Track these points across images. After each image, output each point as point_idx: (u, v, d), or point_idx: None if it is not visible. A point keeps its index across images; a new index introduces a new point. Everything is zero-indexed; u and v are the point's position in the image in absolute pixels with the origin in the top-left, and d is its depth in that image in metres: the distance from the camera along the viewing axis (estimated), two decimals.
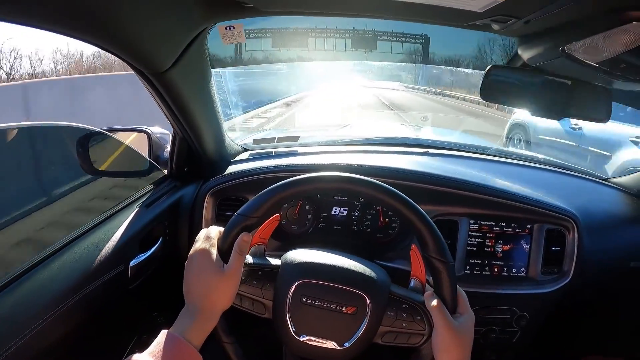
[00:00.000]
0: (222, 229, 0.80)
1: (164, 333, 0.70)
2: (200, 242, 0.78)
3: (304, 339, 0.78)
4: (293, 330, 0.78)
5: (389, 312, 0.78)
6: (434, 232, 0.78)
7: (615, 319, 1.67)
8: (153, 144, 1.37)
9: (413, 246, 0.83)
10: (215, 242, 0.78)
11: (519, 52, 1.05)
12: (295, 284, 0.78)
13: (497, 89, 1.11)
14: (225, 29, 1.06)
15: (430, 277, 0.80)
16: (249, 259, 0.81)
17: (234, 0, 0.89)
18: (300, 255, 0.83)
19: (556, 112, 1.15)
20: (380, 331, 0.78)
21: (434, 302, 0.77)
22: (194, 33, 0.98)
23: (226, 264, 0.76)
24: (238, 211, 0.79)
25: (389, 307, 0.78)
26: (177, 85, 1.04)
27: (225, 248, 0.77)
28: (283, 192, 0.79)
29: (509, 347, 1.39)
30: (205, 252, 0.76)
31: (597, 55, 0.89)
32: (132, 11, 0.73)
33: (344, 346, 0.77)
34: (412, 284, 0.85)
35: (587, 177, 1.67)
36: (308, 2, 0.89)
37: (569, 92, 1.13)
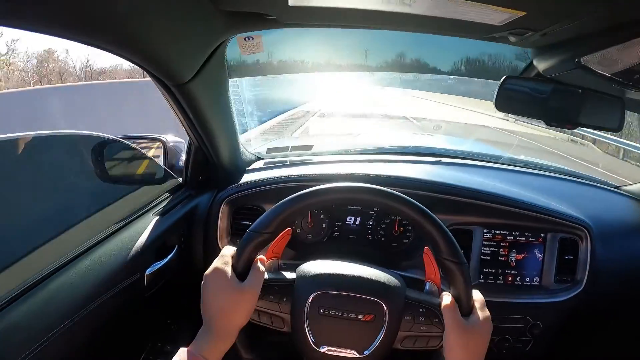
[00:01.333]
0: (235, 248, 0.82)
1: (183, 351, 0.71)
2: (215, 262, 0.80)
3: (324, 349, 0.79)
4: (313, 342, 0.78)
5: (407, 317, 0.79)
6: (445, 234, 0.78)
7: (630, 328, 1.67)
8: (168, 152, 1.38)
9: (426, 249, 0.84)
10: (229, 260, 0.80)
11: (534, 62, 1.06)
12: (312, 296, 0.79)
13: (511, 99, 1.12)
14: (245, 39, 1.07)
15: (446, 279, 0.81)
16: (266, 274, 0.82)
17: (256, 12, 0.90)
18: (314, 267, 0.84)
19: (570, 121, 1.16)
20: (400, 336, 0.79)
21: (446, 303, 0.78)
22: (215, 43, 1.00)
23: (242, 281, 0.77)
24: (250, 227, 0.80)
25: (406, 312, 0.79)
26: (197, 96, 1.06)
27: (240, 266, 0.79)
28: (293, 207, 0.80)
29: (523, 356, 1.38)
30: (220, 271, 0.78)
31: (611, 66, 0.90)
32: (157, 25, 0.75)
33: (364, 354, 0.78)
34: (427, 287, 0.85)
35: (599, 185, 1.67)
36: (329, 15, 0.90)
37: (582, 102, 1.13)
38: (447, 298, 0.79)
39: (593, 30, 0.81)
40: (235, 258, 0.80)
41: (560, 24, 0.81)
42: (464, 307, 0.77)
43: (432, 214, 0.80)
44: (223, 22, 0.93)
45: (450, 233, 0.79)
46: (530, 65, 1.14)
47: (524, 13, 0.78)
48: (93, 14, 0.62)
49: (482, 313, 0.79)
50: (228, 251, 0.82)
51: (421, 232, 0.80)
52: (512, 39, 0.96)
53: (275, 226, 0.80)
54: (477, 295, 0.82)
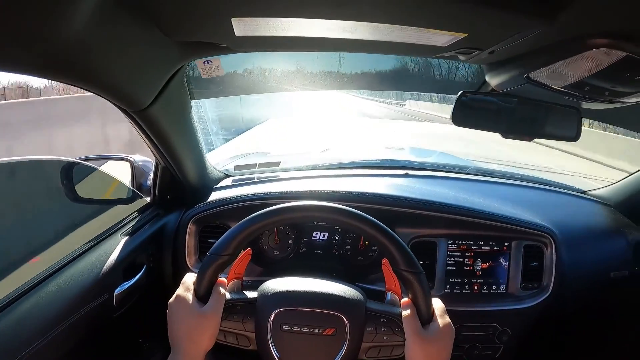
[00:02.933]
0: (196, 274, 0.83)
1: None
2: (178, 290, 0.82)
3: None
4: (278, 358, 0.80)
5: (369, 328, 0.80)
6: (399, 245, 0.80)
7: (598, 330, 1.69)
8: (136, 171, 1.38)
9: (384, 260, 0.85)
10: (190, 286, 0.82)
11: (487, 78, 1.08)
12: (274, 313, 0.80)
13: (468, 113, 1.14)
14: (204, 63, 1.09)
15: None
16: (227, 295, 0.83)
17: (208, 42, 0.91)
18: (275, 284, 0.85)
19: (527, 133, 1.18)
20: (363, 347, 0.80)
21: (405, 312, 0.80)
22: (172, 71, 1.01)
23: (205, 305, 0.79)
24: (209, 251, 0.81)
25: (367, 323, 0.81)
26: (158, 120, 1.07)
27: (202, 290, 0.81)
28: (248, 228, 0.82)
29: None
30: (181, 299, 0.80)
31: (561, 80, 0.92)
32: (109, 54, 0.75)
33: None
34: (388, 297, 0.88)
35: (566, 191, 1.70)
36: (277, 42, 0.92)
37: (539, 114, 1.16)
38: (406, 308, 0.80)
39: (539, 46, 0.83)
40: (197, 283, 0.81)
41: (504, 42, 0.82)
42: (424, 316, 0.79)
43: (385, 227, 0.81)
44: (177, 51, 0.94)
45: (404, 244, 0.81)
46: (485, 81, 1.16)
47: (465, 34, 0.79)
48: (42, 50, 0.62)
49: (442, 320, 0.80)
50: (189, 278, 0.84)
51: (377, 245, 0.82)
52: (461, 57, 0.98)
53: (233, 248, 0.81)
54: (437, 304, 0.83)
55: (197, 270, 0.83)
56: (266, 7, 0.69)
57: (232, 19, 0.74)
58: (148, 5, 0.70)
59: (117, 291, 1.12)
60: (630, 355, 1.66)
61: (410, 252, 0.81)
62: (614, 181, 1.70)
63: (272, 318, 0.80)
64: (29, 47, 0.60)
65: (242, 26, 0.78)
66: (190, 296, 0.80)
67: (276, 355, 0.80)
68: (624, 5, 0.60)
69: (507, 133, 1.18)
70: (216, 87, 1.25)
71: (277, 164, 1.75)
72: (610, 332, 1.69)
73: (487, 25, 0.77)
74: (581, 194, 1.72)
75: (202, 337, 0.78)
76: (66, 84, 0.79)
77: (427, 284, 0.80)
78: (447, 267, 1.31)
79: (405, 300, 0.82)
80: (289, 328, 0.79)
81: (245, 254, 0.88)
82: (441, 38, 0.82)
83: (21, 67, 0.66)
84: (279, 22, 0.76)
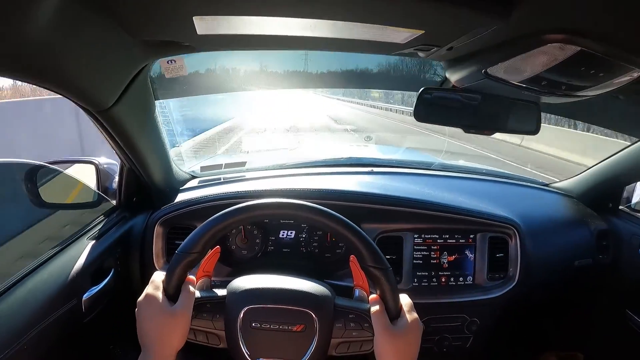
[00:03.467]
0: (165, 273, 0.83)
1: None
2: (146, 288, 0.80)
3: None
4: (248, 355, 0.80)
5: (337, 324, 0.81)
6: (365, 241, 0.81)
7: (565, 316, 1.75)
8: (101, 174, 1.36)
9: (352, 257, 0.86)
10: (159, 284, 0.81)
11: (447, 75, 1.10)
12: (243, 311, 0.80)
13: (429, 109, 1.15)
14: (167, 62, 1.08)
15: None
16: (196, 293, 0.83)
17: (171, 41, 0.91)
18: (244, 282, 0.85)
19: (488, 128, 1.21)
20: (333, 343, 0.81)
21: (373, 308, 0.80)
22: (135, 70, 1.00)
23: (174, 304, 0.78)
24: (178, 249, 0.81)
25: (336, 320, 0.81)
26: (122, 120, 1.05)
27: (171, 288, 0.80)
28: (217, 225, 0.82)
29: (464, 353, 1.44)
30: (151, 297, 0.78)
31: (518, 75, 0.95)
32: (72, 53, 0.74)
33: None
34: (356, 293, 0.88)
35: (529, 184, 1.75)
36: (239, 41, 0.92)
37: (499, 109, 1.18)
38: (374, 304, 0.81)
39: (495, 42, 0.85)
40: (166, 281, 0.80)
41: (461, 39, 0.84)
42: (392, 311, 0.80)
43: (352, 224, 0.82)
44: (140, 50, 0.93)
45: (370, 240, 0.82)
46: (447, 77, 1.18)
47: (422, 31, 0.81)
48: (4, 47, 0.61)
49: (410, 316, 0.81)
50: (158, 276, 0.83)
51: (344, 242, 0.83)
52: (420, 54, 1.00)
53: (201, 245, 0.81)
54: (404, 299, 0.84)
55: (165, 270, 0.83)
56: (227, 5, 0.70)
57: (193, 18, 0.74)
58: (110, 4, 0.69)
59: (85, 296, 1.10)
60: (594, 339, 1.72)
61: (377, 248, 0.82)
62: (576, 173, 1.76)
63: (241, 315, 0.80)
64: None
65: (204, 25, 0.78)
66: (159, 294, 0.79)
67: (246, 353, 0.80)
68: (575, 2, 0.62)
69: (468, 128, 1.20)
70: (181, 87, 1.24)
71: (243, 164, 1.75)
72: (576, 318, 1.75)
73: (443, 22, 0.78)
74: (544, 187, 1.77)
75: (172, 336, 0.77)
76: (27, 83, 0.77)
77: (395, 279, 0.81)
78: (414, 261, 1.34)
79: (373, 296, 0.83)
80: (259, 325, 0.80)
81: (214, 252, 0.88)
82: (399, 35, 0.84)
83: None
84: (240, 21, 0.76)
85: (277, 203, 0.83)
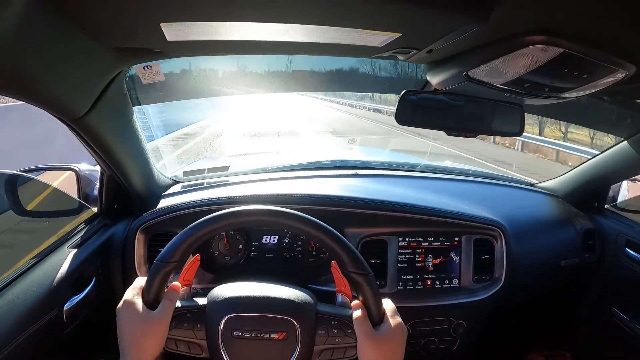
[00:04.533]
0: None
1: None
2: (126, 294, 0.80)
3: None
4: None
5: (320, 331, 0.80)
6: (346, 247, 0.80)
7: (552, 316, 1.76)
8: (82, 181, 1.33)
9: (333, 263, 0.85)
10: (139, 291, 0.80)
11: (428, 77, 1.10)
12: (224, 320, 0.79)
13: (411, 112, 1.15)
14: (144, 68, 1.06)
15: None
16: (177, 303, 0.82)
17: (142, 47, 0.89)
18: (224, 290, 0.84)
19: (471, 130, 1.20)
20: (316, 350, 0.80)
21: (355, 314, 0.80)
22: (108, 77, 0.98)
23: (153, 311, 0.78)
24: (156, 258, 0.80)
25: (319, 326, 0.81)
26: (98, 128, 1.04)
27: (151, 296, 0.79)
28: (195, 234, 0.81)
29: (451, 355, 1.43)
30: (129, 303, 0.78)
31: (500, 77, 0.94)
32: (38, 62, 0.72)
33: None
34: (339, 299, 0.87)
35: (515, 184, 1.75)
36: (211, 47, 0.91)
37: (483, 111, 1.18)
38: (357, 309, 0.81)
39: (476, 45, 0.84)
40: (145, 290, 0.80)
41: (440, 41, 0.84)
42: (374, 317, 0.79)
43: (332, 229, 0.81)
44: (112, 57, 0.91)
45: (351, 246, 0.81)
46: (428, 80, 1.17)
47: (399, 34, 0.80)
48: None
49: (393, 320, 0.80)
50: (139, 283, 0.82)
51: (325, 248, 0.82)
52: (400, 57, 0.99)
53: (180, 255, 0.80)
54: (387, 304, 0.83)
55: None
56: (192, 11, 0.68)
57: (161, 24, 0.73)
58: (75, 11, 0.68)
59: (66, 306, 1.08)
60: (581, 337, 1.73)
61: (358, 253, 0.81)
62: (561, 173, 1.76)
63: (222, 325, 0.79)
64: None
65: (173, 31, 0.76)
66: (138, 301, 0.78)
67: None
68: (556, 3, 0.61)
69: (451, 130, 1.19)
70: (159, 93, 1.23)
71: (227, 168, 1.74)
72: (562, 317, 1.76)
73: (420, 25, 0.77)
74: (529, 187, 1.77)
75: (148, 343, 0.76)
76: None
77: (377, 285, 0.81)
78: (399, 265, 1.33)
79: (355, 302, 0.83)
80: (240, 334, 0.79)
81: (194, 260, 0.87)
82: (376, 38, 0.83)
83: None
84: (209, 26, 0.75)
85: (255, 210, 0.82)
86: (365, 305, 0.80)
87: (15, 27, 0.60)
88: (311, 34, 0.79)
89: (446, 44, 0.85)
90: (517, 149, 10.09)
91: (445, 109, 1.17)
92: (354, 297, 0.85)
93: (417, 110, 1.15)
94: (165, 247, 0.81)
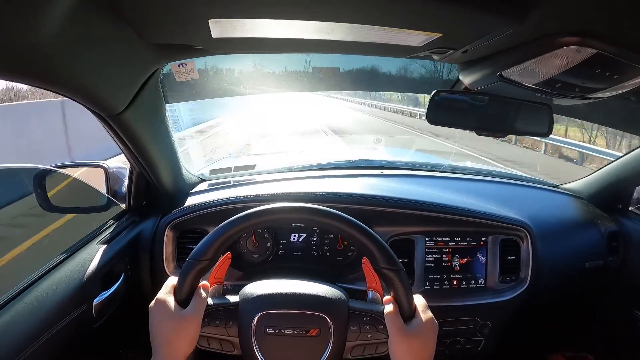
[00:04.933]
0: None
1: None
2: (158, 293, 0.81)
3: None
4: None
5: (352, 327, 0.80)
6: (378, 243, 0.81)
7: (575, 317, 1.75)
8: (110, 178, 1.35)
9: (364, 259, 0.85)
10: (171, 290, 0.81)
11: (460, 77, 1.10)
12: (257, 317, 0.80)
13: (442, 112, 1.15)
14: (178, 66, 1.07)
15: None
16: (209, 300, 0.82)
17: (184, 44, 0.90)
18: (256, 288, 0.85)
19: (500, 130, 1.20)
20: (348, 346, 0.80)
21: (387, 309, 0.80)
22: (147, 74, 0.99)
23: (185, 309, 0.78)
24: (189, 256, 0.81)
25: (350, 323, 0.81)
26: (133, 125, 1.05)
27: (183, 294, 0.80)
28: (228, 232, 0.81)
29: (475, 356, 1.43)
30: (162, 302, 0.79)
31: (532, 77, 0.94)
32: (84, 57, 0.74)
33: None
34: (370, 296, 0.87)
35: (539, 185, 1.75)
36: (254, 44, 0.91)
37: (512, 111, 1.18)
38: (388, 305, 0.81)
39: (510, 45, 0.84)
40: (177, 288, 0.80)
41: (478, 41, 0.84)
42: (406, 312, 0.79)
43: (364, 226, 0.82)
44: (152, 54, 0.93)
45: (383, 242, 0.81)
46: (459, 79, 1.17)
47: (440, 34, 0.81)
48: (17, 52, 0.60)
49: (425, 315, 0.80)
50: (170, 282, 0.83)
51: (356, 244, 0.82)
52: (435, 57, 0.99)
53: (212, 252, 0.81)
54: (418, 300, 0.83)
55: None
56: (244, 8, 0.69)
57: (209, 21, 0.73)
58: (124, 7, 0.69)
59: (95, 301, 1.09)
60: (604, 340, 1.71)
61: (389, 249, 0.81)
62: (585, 175, 1.75)
63: (255, 321, 0.79)
64: (4, 49, 0.58)
65: (219, 28, 0.77)
66: (170, 299, 0.79)
67: (261, 359, 0.79)
68: (591, 5, 0.62)
69: (480, 130, 1.20)
70: (190, 91, 1.24)
71: (253, 166, 1.74)
72: (586, 320, 1.75)
73: (462, 25, 0.78)
74: (553, 188, 1.76)
75: (181, 341, 0.77)
76: (39, 88, 0.77)
77: (408, 280, 0.81)
78: (426, 264, 1.33)
79: (387, 297, 0.83)
80: (273, 331, 0.79)
81: (225, 258, 0.87)
82: (416, 38, 0.83)
83: None
84: (255, 24, 0.76)
85: (287, 207, 0.83)
86: (396, 301, 0.80)
87: (64, 22, 0.61)
88: (355, 32, 0.80)
89: (482, 44, 0.85)
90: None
91: (476, 109, 1.17)
92: (385, 294, 0.85)
93: (447, 110, 1.16)
94: (198, 245, 0.81)
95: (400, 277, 0.80)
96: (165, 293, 0.80)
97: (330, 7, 0.69)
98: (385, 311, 0.80)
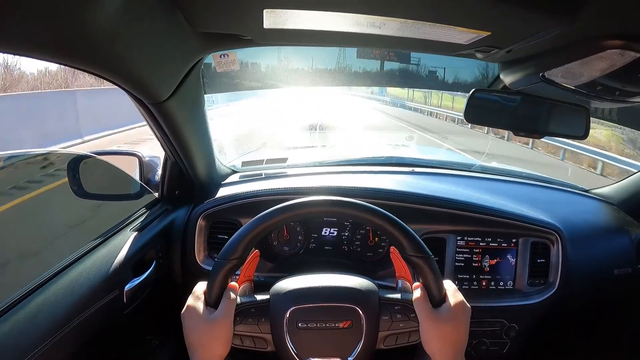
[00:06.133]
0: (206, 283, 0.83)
1: None
2: (188, 300, 0.81)
3: None
4: (297, 356, 0.80)
5: (384, 317, 0.80)
6: (405, 231, 0.80)
7: (602, 326, 1.72)
8: (144, 167, 1.37)
9: (392, 248, 0.85)
10: (200, 295, 0.81)
11: (501, 76, 1.09)
12: (288, 312, 0.80)
13: (480, 111, 1.15)
14: (220, 56, 1.08)
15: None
16: (239, 299, 0.83)
17: (232, 33, 0.91)
18: (287, 283, 0.85)
19: (537, 131, 1.20)
20: (380, 337, 0.80)
21: (415, 295, 0.79)
22: (191, 63, 1.00)
23: (215, 310, 0.79)
24: (218, 256, 0.81)
25: (382, 313, 0.81)
26: (174, 113, 1.06)
27: (213, 296, 0.80)
28: (257, 228, 0.81)
29: (500, 358, 1.42)
30: (192, 308, 0.79)
31: (574, 79, 0.94)
32: (135, 46, 0.75)
33: None
34: (399, 284, 0.88)
35: (569, 189, 1.72)
36: (304, 36, 0.92)
37: (549, 112, 1.17)
38: (417, 291, 0.80)
39: (556, 46, 0.84)
40: (207, 289, 0.81)
41: (524, 41, 0.84)
42: (435, 298, 0.79)
43: (392, 215, 0.81)
44: (199, 42, 0.93)
45: (411, 230, 0.81)
46: (497, 79, 1.17)
47: (488, 33, 0.80)
48: (70, 35, 0.61)
49: (455, 299, 0.79)
50: (199, 287, 0.83)
51: (385, 233, 0.82)
52: (479, 55, 0.99)
53: (242, 250, 0.81)
54: (448, 285, 0.82)
55: (207, 269, 0.83)
56: None
57: (264, 10, 0.74)
58: None
59: (127, 287, 1.10)
60: (632, 350, 1.69)
61: (417, 237, 0.80)
62: (616, 180, 1.73)
63: (287, 316, 0.80)
64: (59, 32, 0.59)
65: (273, 18, 0.77)
66: (200, 305, 0.79)
67: (295, 353, 0.80)
68: (637, 8, 0.61)
69: (517, 130, 1.19)
70: (229, 82, 1.25)
71: (285, 159, 1.75)
72: (614, 328, 1.72)
73: (512, 25, 0.78)
74: (584, 192, 1.74)
75: (215, 344, 0.77)
76: (88, 72, 0.78)
77: (437, 267, 0.80)
78: (456, 263, 1.33)
79: (416, 284, 0.82)
80: (305, 325, 0.79)
81: (253, 256, 0.87)
82: (464, 36, 0.83)
83: (48, 53, 0.65)
84: (308, 15, 0.76)
85: (315, 201, 0.82)
86: (425, 287, 0.80)
87: (119, 7, 0.62)
88: (404, 28, 0.80)
89: (527, 44, 0.85)
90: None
91: (513, 109, 1.16)
92: (414, 281, 0.85)
93: (485, 110, 1.16)
94: (227, 244, 0.81)
95: (429, 264, 0.79)
96: (194, 299, 0.81)
97: (386, 2, 0.69)
98: (413, 297, 0.80)
